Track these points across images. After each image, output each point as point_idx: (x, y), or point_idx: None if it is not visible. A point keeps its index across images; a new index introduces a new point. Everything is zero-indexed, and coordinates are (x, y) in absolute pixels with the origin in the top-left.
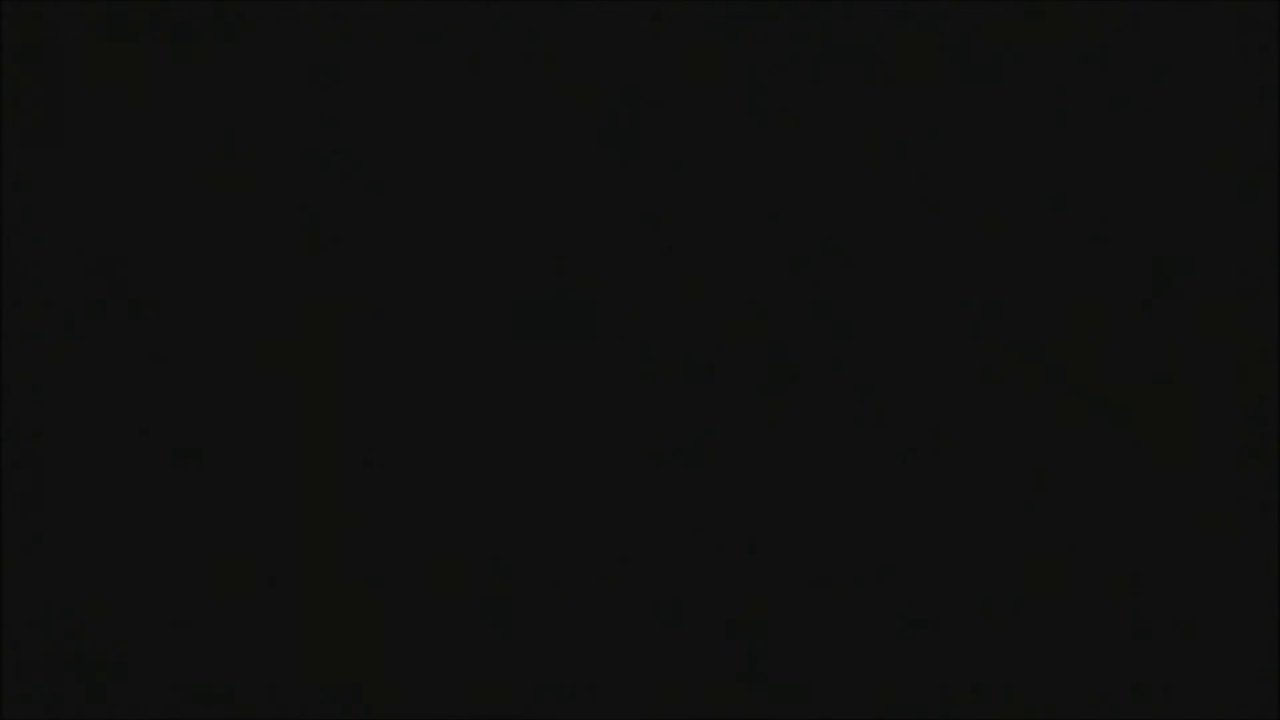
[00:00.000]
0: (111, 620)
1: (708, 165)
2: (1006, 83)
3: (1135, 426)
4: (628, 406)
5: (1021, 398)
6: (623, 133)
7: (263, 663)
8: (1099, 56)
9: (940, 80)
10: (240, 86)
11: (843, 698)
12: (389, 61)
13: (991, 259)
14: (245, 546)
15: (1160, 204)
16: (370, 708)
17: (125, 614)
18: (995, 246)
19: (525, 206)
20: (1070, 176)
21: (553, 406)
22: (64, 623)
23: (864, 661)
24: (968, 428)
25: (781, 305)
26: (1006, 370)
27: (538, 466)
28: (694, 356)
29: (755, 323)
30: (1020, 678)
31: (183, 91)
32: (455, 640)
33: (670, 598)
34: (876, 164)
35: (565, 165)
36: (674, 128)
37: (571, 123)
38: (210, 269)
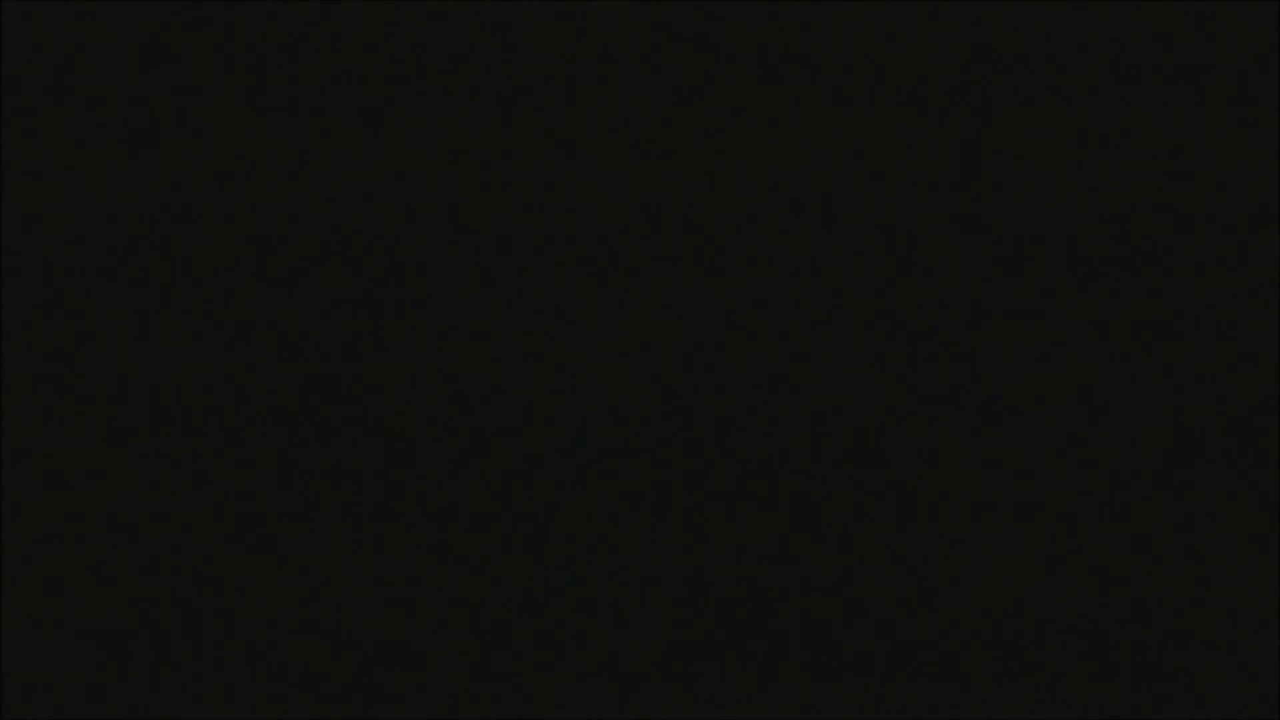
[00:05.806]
0: (112, 620)
1: (704, 163)
2: (1004, 81)
3: (1134, 426)
4: (625, 403)
5: (1020, 395)
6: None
7: (262, 662)
8: (1098, 55)
9: (940, 80)
10: (239, 86)
11: (842, 697)
12: (386, 60)
13: (990, 259)
14: (245, 545)
15: (1159, 203)
16: (369, 707)
17: (125, 614)
18: (995, 246)
19: (522, 204)
20: (1069, 176)
21: (551, 406)
22: (64, 622)
23: (863, 661)
24: (966, 427)
25: (779, 301)
26: (1004, 370)
27: (535, 459)
28: (689, 352)
29: (753, 320)
30: (1019, 677)
31: (181, 90)
32: (453, 639)
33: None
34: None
35: (561, 161)
36: (671, 125)
37: (568, 120)
38: (210, 268)
